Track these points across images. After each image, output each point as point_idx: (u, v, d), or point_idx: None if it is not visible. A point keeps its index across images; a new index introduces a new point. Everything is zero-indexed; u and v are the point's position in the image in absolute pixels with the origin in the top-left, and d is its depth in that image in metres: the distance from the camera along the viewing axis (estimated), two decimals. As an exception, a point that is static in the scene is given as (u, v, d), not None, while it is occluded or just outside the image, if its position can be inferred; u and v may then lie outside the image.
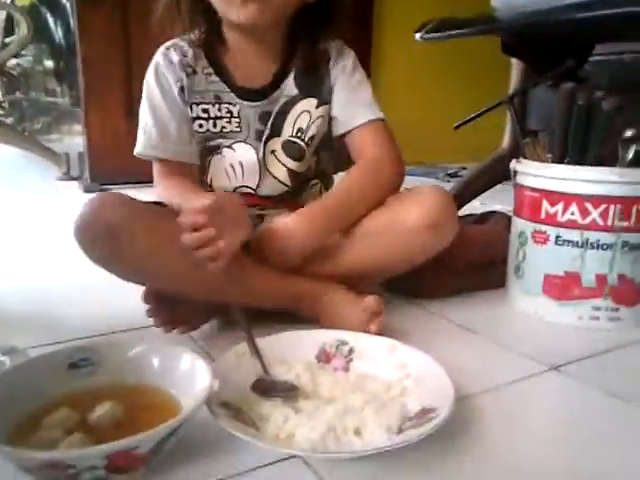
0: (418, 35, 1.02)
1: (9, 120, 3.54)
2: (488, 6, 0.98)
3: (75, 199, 1.83)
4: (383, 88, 2.30)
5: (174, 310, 0.74)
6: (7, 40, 2.56)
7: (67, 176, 2.23)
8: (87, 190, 1.96)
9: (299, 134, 0.84)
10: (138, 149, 0.80)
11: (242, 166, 0.83)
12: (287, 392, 0.57)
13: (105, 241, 0.66)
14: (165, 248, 0.68)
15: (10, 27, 2.59)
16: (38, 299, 0.93)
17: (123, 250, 0.66)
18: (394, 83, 2.47)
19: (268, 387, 0.58)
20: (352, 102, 0.83)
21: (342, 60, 0.84)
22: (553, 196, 0.79)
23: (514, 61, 1.16)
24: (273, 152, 0.84)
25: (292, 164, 0.84)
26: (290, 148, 0.84)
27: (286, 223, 0.74)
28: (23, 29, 2.15)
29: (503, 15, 0.91)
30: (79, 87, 1.97)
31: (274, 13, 0.75)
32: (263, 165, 0.83)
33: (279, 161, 0.84)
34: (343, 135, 0.84)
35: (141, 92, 0.81)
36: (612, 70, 1.07)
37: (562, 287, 0.81)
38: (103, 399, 0.52)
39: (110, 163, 1.95)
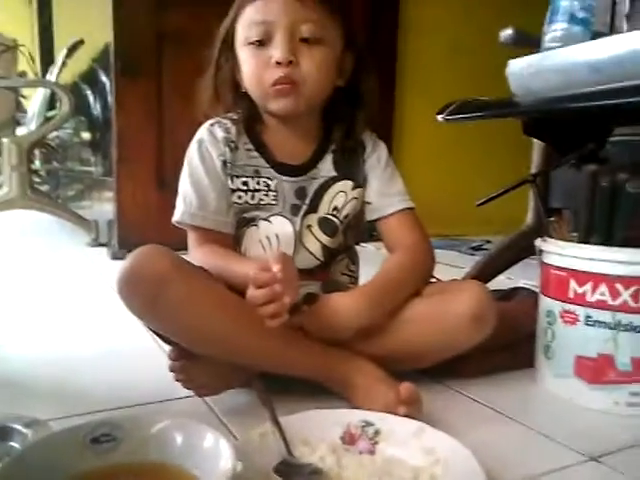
0: (440, 117, 1.06)
1: (45, 188, 3.69)
2: (508, 90, 1.02)
3: (102, 265, 1.88)
4: (406, 161, 2.35)
5: (197, 370, 0.74)
6: (49, 114, 2.71)
7: (96, 242, 2.28)
8: (114, 257, 2.00)
9: (334, 212, 0.87)
10: (176, 217, 0.83)
11: (278, 238, 0.85)
12: (310, 476, 0.56)
13: (146, 290, 0.68)
14: (204, 301, 0.71)
15: (52, 102, 2.76)
16: (63, 367, 0.93)
17: (162, 300, 0.68)
18: (417, 157, 2.53)
19: (291, 471, 0.56)
20: (386, 191, 0.88)
21: (377, 152, 0.89)
22: (581, 276, 0.79)
23: (536, 141, 1.19)
24: (309, 227, 0.86)
25: (326, 239, 0.87)
26: (325, 225, 0.87)
27: (338, 300, 0.76)
28: (65, 105, 2.29)
29: (522, 100, 0.94)
30: (112, 157, 2.06)
31: (306, 103, 0.81)
32: (299, 239, 0.85)
33: (314, 236, 0.87)
34: (375, 220, 0.89)
35: (172, 165, 0.86)
36: (633, 150, 1.09)
37: (595, 370, 0.78)
38: (126, 477, 0.51)
39: (138, 231, 2.00)
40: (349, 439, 0.64)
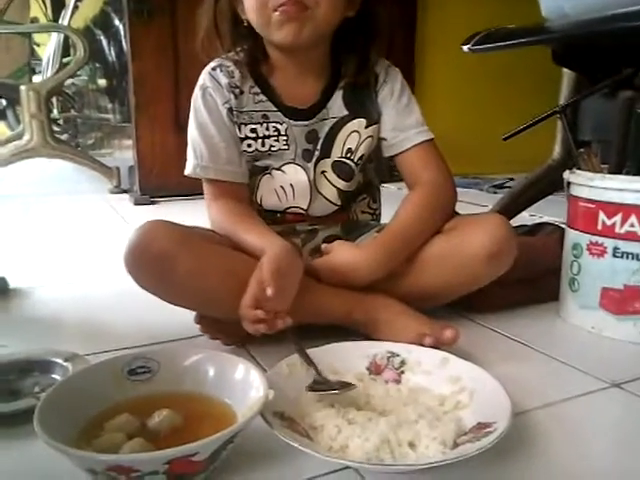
0: (466, 47, 1.02)
1: (64, 136, 3.70)
2: (537, 15, 0.97)
3: (126, 211, 1.90)
4: (428, 98, 2.29)
5: (221, 326, 0.75)
6: (64, 60, 2.68)
7: (118, 189, 2.31)
8: (137, 203, 2.02)
9: (348, 154, 0.84)
10: (188, 170, 0.81)
11: (293, 188, 0.83)
12: (344, 387, 0.58)
13: (153, 267, 0.68)
14: (211, 272, 0.70)
15: (66, 48, 2.72)
16: (95, 307, 0.96)
17: (170, 275, 0.68)
18: (440, 93, 2.45)
19: (323, 387, 0.58)
20: (402, 124, 0.83)
21: (390, 81, 0.84)
22: (610, 207, 0.77)
23: (565, 70, 1.14)
24: (323, 173, 0.84)
25: (342, 184, 0.84)
26: (340, 169, 0.84)
27: (348, 258, 0.75)
28: (80, 50, 2.25)
29: (555, 25, 0.90)
30: (129, 104, 2.04)
31: (313, 33, 0.75)
32: (314, 186, 0.84)
33: (329, 182, 0.84)
34: (393, 156, 0.85)
35: (189, 108, 0.82)
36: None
37: (621, 301, 0.78)
38: (161, 406, 0.53)
39: (159, 176, 2.01)
40: (375, 369, 0.65)
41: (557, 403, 0.62)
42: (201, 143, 0.80)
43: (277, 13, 0.72)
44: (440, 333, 0.69)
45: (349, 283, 0.75)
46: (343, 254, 0.76)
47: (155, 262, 0.68)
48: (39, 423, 0.45)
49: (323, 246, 0.80)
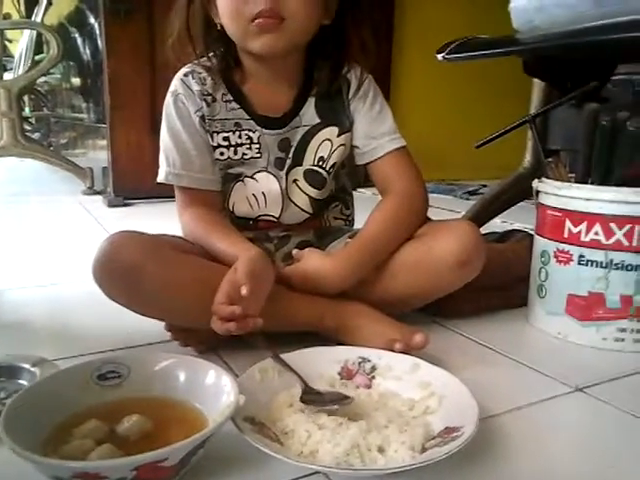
0: (440, 55, 1.03)
1: (36, 135, 3.63)
2: (508, 24, 0.99)
3: (99, 212, 1.87)
4: (403, 104, 2.32)
5: (191, 334, 0.75)
6: (37, 58, 2.63)
7: (91, 190, 2.27)
8: (111, 204, 2.00)
9: (320, 163, 0.84)
10: (161, 177, 0.80)
11: (265, 196, 0.83)
12: (341, 400, 0.58)
13: (121, 279, 0.68)
14: (180, 282, 0.69)
15: (39, 45, 2.67)
16: (65, 310, 0.95)
17: (139, 287, 0.67)
18: (414, 99, 2.49)
19: (320, 399, 0.58)
20: (374, 132, 0.83)
21: (362, 89, 0.84)
22: (576, 216, 0.79)
23: (535, 80, 1.17)
24: (295, 181, 0.84)
25: (314, 192, 0.84)
26: (312, 177, 0.84)
27: (319, 266, 0.75)
28: (53, 48, 2.22)
29: (526, 37, 0.92)
30: (104, 104, 2.02)
31: (289, 43, 0.75)
32: (286, 195, 0.83)
33: (301, 190, 0.84)
34: (366, 164, 0.85)
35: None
36: (635, 89, 1.07)
37: (586, 308, 0.80)
38: (130, 412, 0.53)
39: (133, 178, 1.99)
40: (347, 374, 0.66)
41: (524, 407, 0.63)
42: (173, 150, 0.79)
43: (254, 24, 0.72)
44: (410, 338, 0.70)
45: (320, 290, 0.75)
46: (314, 262, 0.76)
47: (123, 274, 0.67)
48: (4, 429, 0.44)
49: (294, 252, 0.81)
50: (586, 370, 0.73)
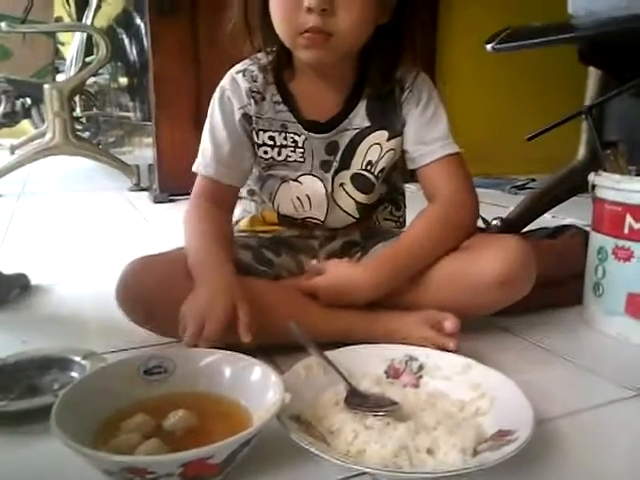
0: (489, 46, 1.00)
1: (86, 134, 3.75)
2: (562, 12, 0.95)
3: (145, 208, 1.91)
4: (448, 97, 2.26)
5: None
6: (87, 60, 2.71)
7: (137, 187, 2.33)
8: (156, 200, 2.03)
9: (369, 167, 0.81)
10: (194, 167, 0.80)
11: (309, 199, 0.82)
12: (389, 406, 0.55)
13: (138, 310, 0.71)
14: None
15: (89, 47, 2.75)
16: (112, 304, 0.96)
17: (155, 318, 0.70)
18: (460, 92, 2.42)
19: (366, 402, 0.56)
20: (425, 138, 0.79)
21: (416, 91, 0.80)
22: (639, 210, 0.75)
23: (591, 69, 1.11)
24: (342, 185, 0.82)
25: (361, 197, 0.82)
26: (359, 181, 0.81)
27: (347, 277, 0.73)
28: (102, 49, 2.28)
29: (581, 23, 0.87)
30: (150, 102, 2.05)
31: (338, 55, 0.73)
32: (331, 199, 0.82)
33: (348, 194, 0.82)
34: (415, 169, 0.81)
35: (209, 107, 0.82)
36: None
37: (648, 307, 0.76)
38: (176, 407, 0.53)
39: (178, 175, 2.01)
40: (393, 373, 0.64)
41: (581, 411, 0.60)
42: (209, 143, 0.79)
43: (302, 36, 0.70)
44: (441, 332, 0.68)
45: (349, 300, 0.73)
46: (341, 272, 0.73)
47: (140, 304, 0.70)
48: (56, 422, 0.45)
49: (307, 266, 0.79)
50: (648, 373, 0.69)
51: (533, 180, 2.23)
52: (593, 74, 1.12)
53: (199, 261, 0.71)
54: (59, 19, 3.05)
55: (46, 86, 2.33)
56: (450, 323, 0.68)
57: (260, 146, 0.80)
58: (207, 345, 0.61)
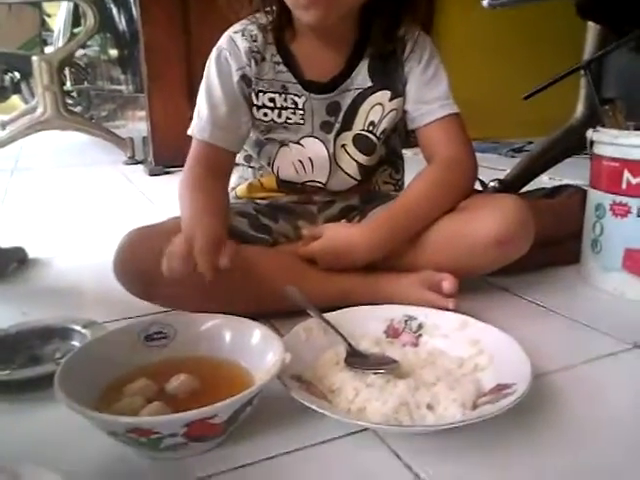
0: (486, 2, 0.98)
1: (78, 108, 3.70)
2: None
3: (140, 181, 1.90)
4: (446, 59, 2.23)
5: None
6: (75, 31, 2.65)
7: (132, 160, 2.31)
8: (151, 173, 2.02)
9: (371, 127, 0.80)
10: (189, 130, 0.79)
11: (312, 161, 0.81)
12: (389, 365, 0.56)
13: (137, 283, 0.70)
14: (196, 287, 0.64)
15: (76, 18, 2.69)
16: (109, 276, 0.96)
17: (154, 290, 0.69)
18: (457, 54, 2.35)
19: (366, 362, 0.57)
20: (425, 97, 0.78)
21: (418, 50, 0.79)
22: (637, 165, 0.74)
23: (589, 24, 1.09)
24: (344, 146, 0.81)
25: (362, 158, 0.81)
26: (361, 142, 0.81)
27: (345, 238, 0.72)
28: (90, 19, 2.23)
29: (579, -25, 0.85)
30: (141, 74, 2.02)
31: (341, 11, 0.71)
32: (334, 160, 0.81)
33: (350, 156, 0.81)
34: (415, 129, 0.80)
35: (202, 75, 0.80)
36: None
37: (645, 262, 0.76)
38: (178, 371, 0.53)
39: (173, 146, 1.99)
40: (392, 333, 0.65)
41: (578, 365, 0.61)
42: (205, 105, 0.77)
43: None
44: (439, 292, 0.69)
45: (348, 262, 0.72)
46: (339, 234, 0.73)
47: (138, 277, 0.69)
48: (60, 388, 0.45)
49: (304, 231, 0.78)
50: (645, 327, 0.70)
51: (530, 143, 2.22)
52: (592, 29, 1.10)
53: (192, 227, 0.69)
54: (44, -11, 2.98)
55: (34, 58, 2.28)
56: (448, 284, 0.68)
57: (260, 108, 0.79)
58: (203, 260, 0.59)
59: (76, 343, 0.66)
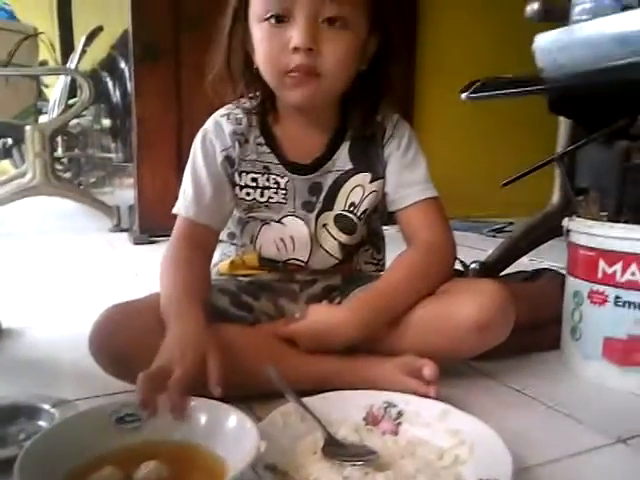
0: (464, 95, 1.03)
1: (67, 175, 3.74)
2: (532, 63, 0.99)
3: (124, 250, 1.90)
4: (425, 141, 2.32)
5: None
6: (70, 102, 2.73)
7: (118, 228, 2.31)
8: (136, 242, 2.02)
9: (351, 208, 0.82)
10: (174, 209, 0.80)
11: (293, 240, 0.82)
12: (368, 457, 0.54)
13: (113, 365, 0.69)
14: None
15: (73, 90, 2.78)
16: (86, 350, 0.94)
17: (133, 372, 0.64)
18: (437, 137, 2.48)
19: (344, 452, 0.55)
20: (405, 180, 0.81)
21: (397, 136, 0.82)
22: (611, 255, 0.77)
23: (562, 119, 1.16)
24: (325, 226, 0.82)
25: (344, 238, 0.83)
26: (342, 222, 0.82)
27: (326, 320, 0.72)
28: (85, 92, 2.30)
29: (549, 76, 0.91)
30: (132, 144, 2.07)
31: (326, 95, 0.74)
32: (315, 239, 0.82)
33: (331, 235, 0.82)
34: (394, 212, 0.83)
35: (190, 148, 0.82)
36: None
37: (625, 352, 0.76)
38: (148, 457, 0.51)
39: (159, 216, 2.00)
40: (372, 420, 0.63)
41: (561, 459, 0.59)
42: (190, 185, 0.79)
43: (289, 76, 0.71)
44: (420, 378, 0.67)
45: (328, 343, 0.72)
46: (320, 316, 0.73)
47: (112, 360, 0.68)
48: (19, 476, 0.43)
49: (297, 315, 0.77)
50: (628, 419, 0.69)
51: (511, 223, 2.27)
52: (564, 122, 1.16)
53: (171, 312, 0.69)
54: (44, 63, 3.09)
55: (28, 127, 2.33)
56: (429, 370, 0.68)
57: (242, 187, 0.80)
58: (173, 393, 0.56)
59: (43, 423, 0.63)
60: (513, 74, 1.06)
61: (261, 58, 0.73)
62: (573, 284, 0.84)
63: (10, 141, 4.19)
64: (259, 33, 0.73)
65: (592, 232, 0.80)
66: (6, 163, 4.48)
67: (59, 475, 0.48)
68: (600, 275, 0.78)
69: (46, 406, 0.65)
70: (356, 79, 0.77)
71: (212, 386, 0.59)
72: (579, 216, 0.84)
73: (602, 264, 0.78)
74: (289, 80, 0.72)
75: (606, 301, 0.78)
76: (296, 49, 0.69)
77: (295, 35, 0.69)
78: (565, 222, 0.86)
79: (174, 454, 0.53)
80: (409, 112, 2.47)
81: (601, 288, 0.78)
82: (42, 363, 0.88)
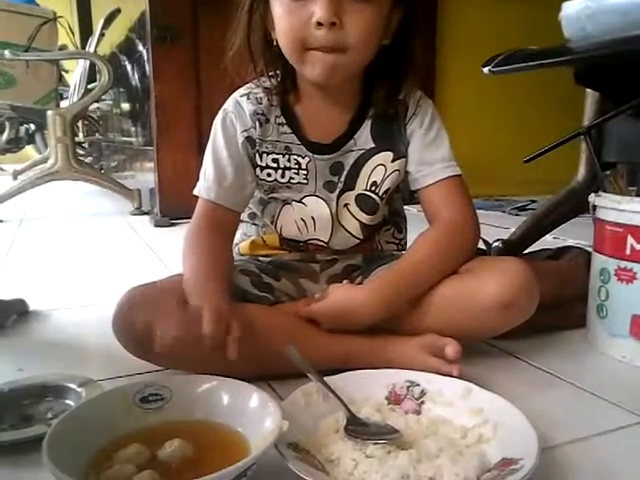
0: (486, 69, 1.00)
1: (88, 159, 3.78)
2: (559, 36, 0.95)
3: (146, 232, 1.91)
4: (447, 119, 2.28)
5: None
6: (90, 86, 2.74)
7: (139, 211, 2.33)
8: (157, 224, 2.04)
9: (373, 188, 0.81)
10: (195, 190, 0.80)
11: (314, 220, 0.81)
12: (390, 435, 0.54)
13: (135, 342, 0.69)
14: (193, 345, 0.63)
15: (92, 74, 2.79)
16: (109, 330, 0.95)
17: (151, 350, 0.67)
18: (459, 114, 2.43)
19: (367, 431, 0.55)
20: (427, 159, 0.79)
21: (420, 114, 0.80)
22: (640, 231, 0.74)
23: (588, 91, 1.12)
24: (346, 206, 0.81)
25: (365, 218, 0.82)
26: (364, 202, 0.81)
27: (347, 299, 0.72)
28: (105, 76, 2.30)
29: (577, 46, 0.88)
30: (152, 127, 2.07)
31: (348, 70, 0.72)
32: (336, 219, 0.81)
33: (352, 215, 0.82)
34: (416, 190, 0.81)
35: (210, 131, 0.81)
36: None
37: (653, 329, 0.75)
38: (172, 436, 0.52)
39: (179, 198, 2.02)
40: (394, 399, 0.63)
41: (587, 438, 0.59)
42: (211, 165, 0.79)
43: (311, 52, 0.69)
44: (443, 358, 0.67)
45: (349, 324, 0.71)
46: (341, 295, 0.72)
47: (136, 337, 0.68)
48: (47, 453, 0.44)
49: (316, 295, 0.77)
50: (656, 398, 0.68)
51: (534, 201, 2.23)
52: (591, 95, 1.12)
53: (195, 291, 0.69)
54: (63, 47, 3.09)
55: (49, 112, 2.35)
56: (451, 349, 0.67)
57: (263, 169, 0.80)
58: (210, 333, 0.59)
59: (70, 402, 0.64)
60: (539, 45, 1.02)
61: (282, 34, 0.71)
62: (599, 261, 0.82)
63: (33, 127, 4.25)
64: (279, 9, 0.70)
65: (620, 207, 0.77)
66: (30, 149, 4.56)
67: (86, 454, 0.49)
68: (629, 252, 0.76)
69: (73, 385, 0.66)
70: (379, 55, 0.75)
71: (230, 348, 0.60)
72: (606, 191, 0.82)
73: (631, 240, 0.75)
74: (311, 57, 0.70)
75: (634, 278, 0.76)
76: (319, 24, 0.67)
77: (318, 9, 0.66)
78: (592, 198, 0.83)
79: (197, 433, 0.53)
80: (430, 88, 2.42)
81: (629, 265, 0.76)
82: (69, 344, 0.90)
